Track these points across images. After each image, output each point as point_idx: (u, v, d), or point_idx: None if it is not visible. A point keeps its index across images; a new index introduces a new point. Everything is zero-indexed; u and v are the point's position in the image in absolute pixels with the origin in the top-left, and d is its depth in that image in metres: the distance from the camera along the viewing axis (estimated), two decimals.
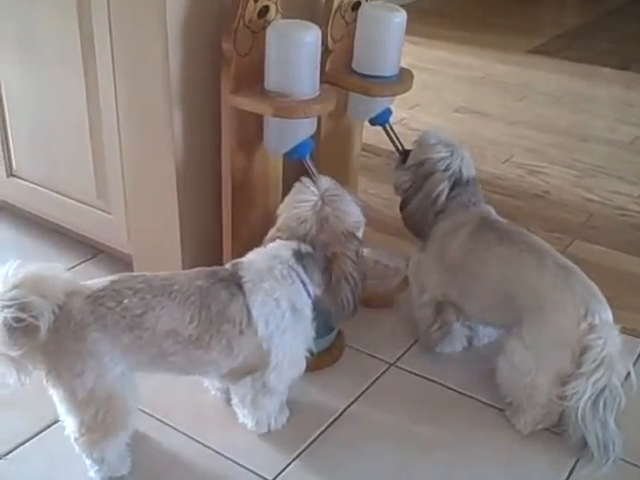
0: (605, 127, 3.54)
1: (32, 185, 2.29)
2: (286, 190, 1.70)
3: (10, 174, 2.34)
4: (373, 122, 2.09)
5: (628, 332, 1.88)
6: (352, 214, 1.62)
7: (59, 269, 1.46)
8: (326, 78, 1.91)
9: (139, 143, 1.92)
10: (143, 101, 1.85)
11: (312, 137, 1.87)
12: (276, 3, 1.79)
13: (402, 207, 1.93)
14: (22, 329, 1.35)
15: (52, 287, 1.40)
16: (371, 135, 2.33)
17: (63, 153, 2.16)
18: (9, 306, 1.32)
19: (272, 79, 1.74)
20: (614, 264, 2.40)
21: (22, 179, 2.32)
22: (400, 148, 2.02)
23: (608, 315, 1.63)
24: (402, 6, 1.96)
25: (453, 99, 3.81)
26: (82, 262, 2.30)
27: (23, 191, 2.33)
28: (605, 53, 4.68)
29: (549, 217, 2.68)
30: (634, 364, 1.83)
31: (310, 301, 1.58)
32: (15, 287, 1.35)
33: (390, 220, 2.41)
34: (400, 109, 3.19)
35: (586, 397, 1.57)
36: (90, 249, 2.34)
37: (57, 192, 2.23)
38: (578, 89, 4.06)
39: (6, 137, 2.29)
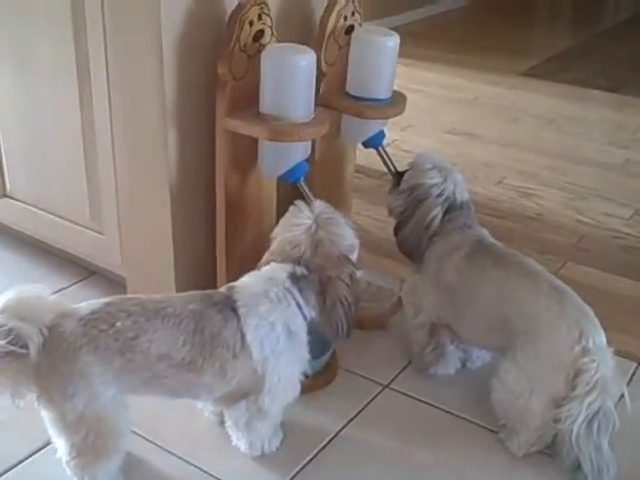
0: (597, 149, 3.56)
1: (25, 205, 2.29)
2: (280, 213, 1.71)
3: (3, 194, 2.34)
4: (366, 144, 2.10)
5: (621, 354, 1.88)
6: (346, 237, 1.63)
7: (43, 290, 1.45)
8: (320, 101, 1.92)
9: (133, 164, 1.93)
10: (138, 122, 1.86)
11: (306, 160, 1.88)
12: (271, 27, 1.81)
13: (396, 231, 1.93)
14: (12, 353, 1.34)
15: (37, 309, 1.39)
16: (364, 157, 2.34)
17: (57, 174, 2.17)
18: None
19: (267, 102, 1.75)
20: (606, 286, 2.41)
21: (15, 199, 2.32)
22: (393, 170, 2.02)
23: (602, 338, 1.63)
24: (394, 28, 1.98)
25: (445, 121, 3.83)
26: (75, 283, 2.29)
27: (16, 211, 2.33)
28: (596, 75, 4.73)
29: (541, 239, 2.69)
30: (627, 386, 1.83)
31: (305, 324, 1.58)
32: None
33: (383, 242, 2.42)
34: (392, 131, 3.20)
35: (580, 420, 1.57)
36: (83, 270, 2.33)
37: (50, 213, 2.23)
38: (570, 111, 4.09)
39: (0, 157, 2.29)
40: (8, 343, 1.33)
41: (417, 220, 1.86)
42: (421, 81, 4.33)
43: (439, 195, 1.85)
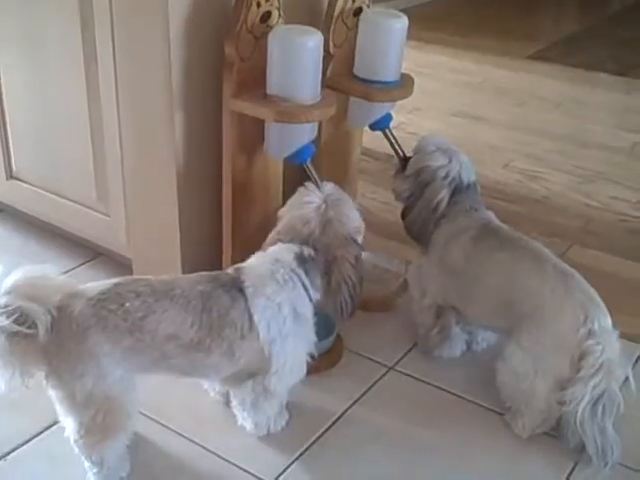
0: (604, 133, 3.55)
1: (32, 187, 2.30)
2: (286, 194, 1.71)
3: (10, 176, 2.34)
4: (373, 127, 2.09)
5: (627, 337, 1.88)
6: (353, 219, 1.64)
7: (50, 270, 1.45)
8: (327, 83, 1.91)
9: (140, 146, 1.93)
10: (144, 104, 1.86)
11: (313, 142, 1.88)
12: (278, 8, 1.80)
13: (404, 215, 1.93)
14: (20, 333, 1.35)
15: (44, 289, 1.40)
16: (370, 139, 2.34)
17: (64, 156, 2.17)
18: (2, 313, 1.33)
19: (274, 84, 1.75)
20: (612, 269, 2.41)
21: (22, 181, 2.32)
22: (400, 153, 2.02)
23: (607, 321, 1.64)
24: (401, 10, 1.97)
25: (452, 104, 3.82)
26: (81, 264, 2.30)
27: (23, 193, 2.34)
28: (604, 59, 4.70)
29: (548, 222, 2.69)
30: (632, 369, 1.84)
31: (312, 305, 1.59)
32: (7, 293, 1.35)
33: (389, 224, 2.42)
34: (399, 113, 3.18)
35: (585, 402, 1.58)
36: (90, 252, 2.34)
37: (57, 194, 2.24)
38: (577, 95, 4.08)
39: (6, 139, 2.29)
40: (15, 323, 1.34)
41: (424, 203, 1.86)
42: (429, 64, 4.31)
43: (445, 177, 1.85)
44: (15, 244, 2.40)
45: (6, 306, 1.34)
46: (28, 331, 1.35)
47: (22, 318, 1.35)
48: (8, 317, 1.34)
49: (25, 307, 1.35)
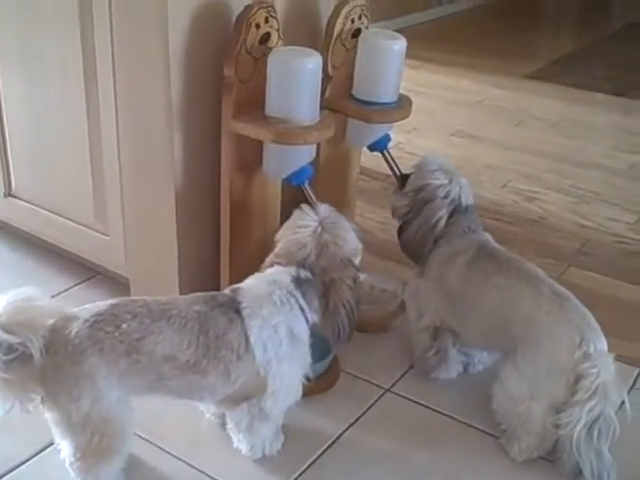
0: (601, 153, 3.56)
1: (30, 205, 2.30)
2: (284, 216, 1.71)
3: (8, 194, 2.34)
4: (372, 148, 2.10)
5: (622, 360, 1.89)
6: (350, 241, 1.63)
7: (36, 292, 1.43)
8: (326, 104, 1.92)
9: (139, 165, 1.94)
10: (144, 124, 1.86)
11: (311, 163, 1.89)
12: (278, 30, 1.81)
13: (400, 232, 1.93)
14: (16, 358, 1.35)
15: (32, 312, 1.39)
16: (368, 159, 2.35)
17: (62, 174, 2.17)
18: None
19: (273, 105, 1.76)
20: (609, 291, 2.41)
21: (20, 199, 2.32)
22: (398, 174, 2.03)
23: (603, 344, 1.64)
24: (399, 29, 1.98)
25: (450, 123, 3.84)
26: (79, 283, 2.30)
27: (21, 211, 2.34)
28: (601, 79, 4.72)
29: (545, 243, 2.70)
30: (628, 392, 1.84)
31: (308, 327, 1.59)
32: None
33: (386, 244, 2.42)
34: (397, 133, 3.20)
35: (580, 425, 1.58)
36: (87, 271, 2.34)
37: (55, 213, 2.24)
38: (575, 115, 4.09)
39: (6, 157, 2.29)
40: (8, 351, 1.34)
41: (422, 220, 1.86)
42: (426, 83, 4.33)
43: (445, 196, 1.86)
44: (12, 262, 2.40)
45: None
46: (24, 349, 1.35)
47: (14, 346, 1.35)
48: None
49: (10, 338, 1.34)
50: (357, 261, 1.66)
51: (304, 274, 1.58)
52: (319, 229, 1.60)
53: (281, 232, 1.66)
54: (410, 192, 1.91)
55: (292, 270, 1.58)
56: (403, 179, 1.97)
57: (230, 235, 1.91)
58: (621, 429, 1.60)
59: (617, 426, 1.60)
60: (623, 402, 1.63)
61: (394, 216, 1.98)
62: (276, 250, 1.64)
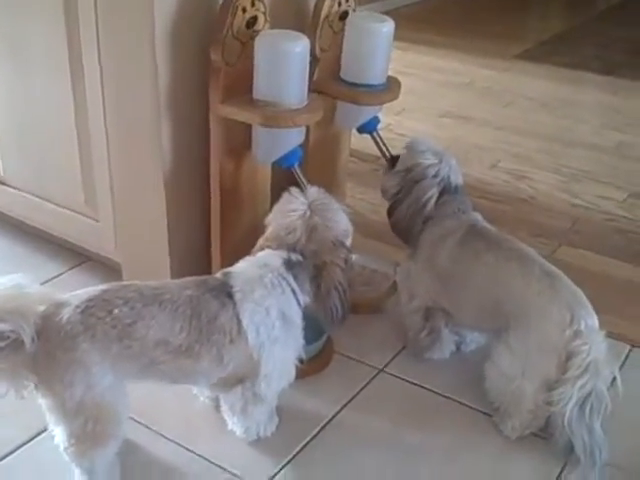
0: (590, 132, 3.57)
1: (19, 192, 2.29)
2: (274, 199, 1.71)
3: None
4: (361, 130, 2.10)
5: (614, 337, 1.91)
6: (340, 223, 1.63)
7: (23, 280, 1.42)
8: (314, 87, 1.92)
9: (127, 150, 1.93)
10: (131, 109, 1.86)
11: (300, 145, 1.89)
12: (264, 13, 1.80)
13: (390, 212, 1.94)
14: (8, 346, 1.35)
15: (21, 299, 1.39)
16: (358, 141, 2.34)
17: (51, 160, 2.16)
18: None
19: (260, 89, 1.75)
20: (599, 269, 2.43)
21: (9, 186, 2.31)
22: (388, 155, 2.03)
23: (594, 321, 1.65)
24: (389, 11, 1.98)
25: (439, 104, 3.84)
26: (70, 269, 2.29)
27: (10, 198, 2.33)
28: (590, 58, 4.73)
29: (535, 222, 2.71)
30: (620, 369, 1.85)
31: (300, 310, 1.59)
32: None
33: (377, 225, 2.42)
34: (386, 115, 3.19)
35: (572, 402, 1.59)
36: (78, 256, 2.33)
37: (44, 199, 2.23)
38: (563, 94, 4.10)
39: None
40: None
41: (412, 200, 1.87)
42: (415, 65, 4.32)
43: (435, 176, 1.86)
44: (1, 249, 2.39)
45: None
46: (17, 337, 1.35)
47: (5, 334, 1.34)
48: None
49: (0, 326, 1.33)
50: (348, 242, 1.66)
51: (295, 257, 1.58)
52: (308, 212, 1.60)
53: (271, 216, 1.66)
54: (400, 172, 1.92)
55: (283, 253, 1.58)
56: (393, 160, 1.97)
57: (220, 219, 1.90)
58: (613, 405, 1.61)
59: (609, 402, 1.61)
60: (615, 378, 1.64)
61: (384, 196, 1.99)
62: (266, 234, 1.64)
